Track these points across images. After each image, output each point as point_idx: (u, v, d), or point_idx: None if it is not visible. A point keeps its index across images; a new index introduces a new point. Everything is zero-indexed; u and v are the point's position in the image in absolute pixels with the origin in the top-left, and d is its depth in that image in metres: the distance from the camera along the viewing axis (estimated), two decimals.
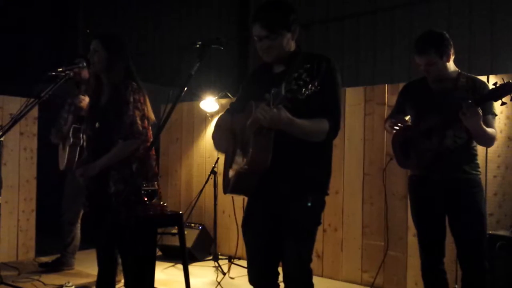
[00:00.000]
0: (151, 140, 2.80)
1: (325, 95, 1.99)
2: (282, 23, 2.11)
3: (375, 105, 4.09)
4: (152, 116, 2.84)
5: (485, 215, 2.75)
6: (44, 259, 4.60)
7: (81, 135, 3.83)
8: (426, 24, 6.73)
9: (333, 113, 2.09)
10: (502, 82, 2.39)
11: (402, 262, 3.89)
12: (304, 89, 1.76)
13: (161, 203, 3.09)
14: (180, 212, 3.40)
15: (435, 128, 2.66)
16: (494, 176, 3.48)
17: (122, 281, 3.09)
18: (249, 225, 2.30)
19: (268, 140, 1.98)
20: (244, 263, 4.46)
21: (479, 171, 2.73)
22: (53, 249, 4.49)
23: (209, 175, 4.73)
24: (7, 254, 4.60)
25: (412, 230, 3.52)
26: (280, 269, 2.24)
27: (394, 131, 2.94)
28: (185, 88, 2.17)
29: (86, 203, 2.89)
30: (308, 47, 6.84)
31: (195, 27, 8.33)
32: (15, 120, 2.90)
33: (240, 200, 4.65)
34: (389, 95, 3.98)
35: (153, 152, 2.92)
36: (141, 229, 2.84)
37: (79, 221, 4.29)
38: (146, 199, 2.84)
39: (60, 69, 3.03)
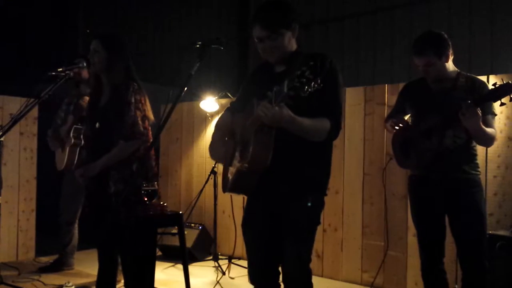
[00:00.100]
0: (151, 140, 2.80)
1: (326, 95, 1.99)
2: (282, 22, 2.12)
3: (375, 105, 4.09)
4: (151, 116, 2.84)
5: (485, 215, 2.74)
6: (44, 259, 4.61)
7: (82, 135, 3.82)
8: (426, 24, 6.74)
9: (334, 112, 2.09)
10: (502, 83, 2.40)
11: (402, 262, 3.89)
12: (306, 87, 1.76)
13: (161, 203, 3.09)
14: (180, 212, 3.40)
15: (435, 128, 2.66)
16: (494, 176, 3.48)
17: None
18: (249, 225, 2.30)
19: (269, 138, 1.98)
20: (244, 263, 4.47)
21: (478, 171, 2.73)
22: (53, 249, 4.49)
23: (209, 175, 4.73)
24: (7, 254, 4.60)
25: (412, 230, 3.52)
26: (280, 269, 2.24)
27: (395, 131, 2.94)
28: (185, 88, 2.17)
29: (86, 203, 2.90)
30: (308, 47, 6.84)
31: (195, 27, 8.33)
32: (15, 120, 2.90)
33: (239, 200, 4.64)
34: (389, 95, 3.98)
35: (153, 152, 2.92)
36: (141, 229, 2.85)
37: (77, 221, 4.28)
38: (146, 199, 2.84)
39: (60, 69, 3.03)
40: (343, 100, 2.18)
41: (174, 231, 3.39)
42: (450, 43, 2.69)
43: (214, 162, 4.75)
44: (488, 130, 2.57)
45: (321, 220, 2.22)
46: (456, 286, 3.49)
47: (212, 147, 2.34)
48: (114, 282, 2.97)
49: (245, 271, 2.35)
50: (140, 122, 2.74)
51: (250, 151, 1.98)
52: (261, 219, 2.23)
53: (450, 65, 2.73)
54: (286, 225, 2.15)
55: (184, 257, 3.40)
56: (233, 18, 9.14)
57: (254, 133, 1.98)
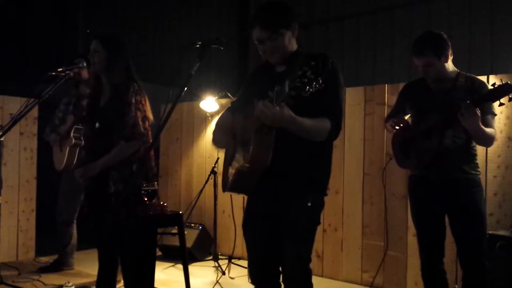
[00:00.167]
0: (151, 141, 2.80)
1: (327, 95, 1.99)
2: (281, 22, 2.12)
3: (375, 105, 4.09)
4: (151, 117, 2.84)
5: (485, 214, 2.74)
6: (44, 259, 4.61)
7: (82, 136, 3.81)
8: (426, 24, 6.74)
9: (335, 112, 2.09)
10: (501, 83, 2.40)
11: (402, 262, 3.89)
12: (308, 87, 1.76)
13: (161, 203, 3.10)
14: (180, 212, 3.40)
15: (435, 128, 2.66)
16: (494, 176, 3.48)
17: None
18: (249, 225, 2.30)
19: (269, 138, 1.98)
20: (244, 263, 4.47)
21: (478, 171, 2.73)
22: (53, 249, 4.49)
23: (209, 175, 4.74)
24: (7, 254, 4.60)
25: (412, 230, 3.52)
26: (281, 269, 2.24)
27: (395, 131, 2.94)
28: (185, 88, 2.17)
29: (85, 203, 2.90)
30: (308, 47, 6.83)
31: (195, 27, 8.33)
32: (15, 120, 2.90)
33: (239, 200, 4.65)
34: (389, 95, 3.98)
35: (152, 152, 2.92)
36: (141, 229, 2.85)
37: (75, 221, 4.28)
38: (146, 199, 2.84)
39: (60, 69, 3.03)
40: (343, 100, 2.18)
41: (174, 231, 3.39)
42: (449, 43, 2.69)
43: (214, 162, 4.76)
44: (488, 130, 2.57)
45: (321, 220, 2.22)
46: (456, 286, 3.49)
47: (215, 137, 2.35)
48: (114, 282, 2.97)
49: (245, 271, 2.35)
50: (140, 122, 2.74)
51: (250, 151, 1.98)
52: (261, 219, 2.23)
53: (449, 65, 2.73)
54: (286, 225, 2.15)
55: (184, 257, 3.40)
56: (233, 18, 9.14)
57: (254, 133, 1.98)
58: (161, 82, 6.92)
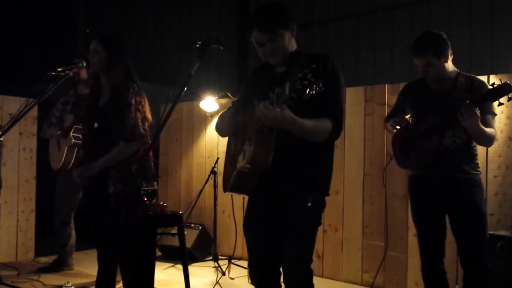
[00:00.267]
0: (150, 141, 2.80)
1: (328, 95, 1.99)
2: (279, 22, 2.12)
3: (375, 105, 4.08)
4: (150, 117, 2.84)
5: (486, 214, 2.74)
6: (44, 259, 4.60)
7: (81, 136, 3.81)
8: (426, 24, 6.74)
9: (335, 113, 2.08)
10: (500, 83, 2.39)
11: (402, 262, 3.88)
12: (308, 89, 1.76)
13: (161, 203, 3.09)
14: (180, 212, 3.40)
15: (435, 128, 2.65)
16: (495, 176, 3.48)
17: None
18: (249, 225, 2.30)
19: (270, 139, 1.98)
20: (243, 263, 4.46)
21: (479, 171, 2.72)
22: (53, 250, 4.48)
23: (209, 175, 4.73)
24: (6, 254, 4.59)
25: (412, 230, 3.51)
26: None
27: (395, 131, 2.94)
28: (185, 88, 2.17)
29: (84, 202, 2.89)
30: (308, 47, 6.82)
31: (195, 27, 8.34)
32: (14, 120, 2.89)
33: (240, 200, 4.64)
34: (389, 95, 3.98)
35: (151, 153, 2.92)
36: (140, 229, 2.84)
37: (72, 220, 4.27)
38: (145, 199, 2.84)
39: (60, 69, 3.03)
40: (344, 101, 2.17)
41: (174, 231, 3.39)
42: (449, 43, 2.68)
43: (214, 162, 4.75)
44: (488, 130, 2.57)
45: (322, 221, 2.21)
46: (457, 287, 3.49)
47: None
48: (114, 283, 2.96)
49: (245, 272, 2.35)
50: (140, 124, 2.75)
51: (251, 152, 1.97)
52: (262, 220, 2.22)
53: (449, 65, 2.72)
54: (286, 225, 2.14)
55: (184, 257, 3.40)
56: (233, 18, 9.14)
57: (255, 133, 1.98)
58: (161, 82, 6.92)
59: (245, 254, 4.62)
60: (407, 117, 2.96)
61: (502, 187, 3.45)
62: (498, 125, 3.09)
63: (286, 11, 2.15)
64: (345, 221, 4.22)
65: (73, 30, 6.89)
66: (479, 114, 2.46)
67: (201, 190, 4.76)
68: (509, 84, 2.37)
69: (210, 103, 5.12)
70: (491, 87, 2.45)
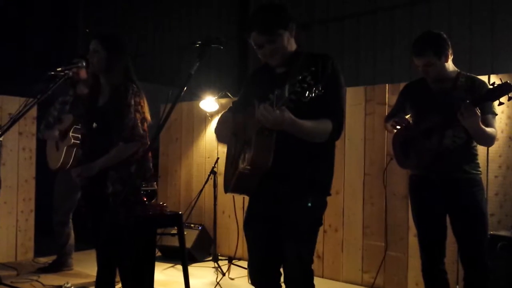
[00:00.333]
0: (149, 142, 2.80)
1: (328, 96, 1.98)
2: (277, 22, 2.11)
3: (375, 105, 4.08)
4: (149, 118, 2.84)
5: (486, 214, 2.73)
6: (43, 259, 4.59)
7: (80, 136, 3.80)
8: (426, 24, 6.74)
9: (336, 113, 2.08)
10: (500, 82, 2.39)
11: (403, 262, 3.87)
12: (308, 92, 1.75)
13: (161, 203, 3.09)
14: (180, 212, 3.39)
15: (435, 128, 2.65)
16: (495, 176, 3.47)
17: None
18: (250, 226, 2.30)
19: (270, 140, 1.98)
20: (243, 263, 4.45)
21: (479, 171, 2.72)
22: (52, 250, 4.47)
23: (209, 175, 4.72)
24: (6, 255, 4.58)
25: (413, 230, 3.51)
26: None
27: (395, 131, 2.93)
28: (185, 88, 2.16)
29: (83, 203, 2.89)
30: (308, 47, 6.82)
31: (195, 27, 8.34)
32: (14, 120, 2.88)
33: (240, 201, 4.64)
34: (389, 95, 3.97)
35: (150, 154, 2.92)
36: (140, 230, 2.83)
37: (71, 220, 4.26)
38: (145, 199, 2.83)
39: (59, 69, 3.02)
40: (344, 101, 2.17)
41: (174, 231, 3.39)
42: (449, 43, 2.68)
43: (214, 162, 4.75)
44: (488, 129, 2.56)
45: (322, 221, 2.21)
46: (457, 287, 3.48)
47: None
48: (113, 283, 2.96)
49: (245, 272, 2.34)
50: (139, 124, 2.74)
51: (251, 154, 1.97)
52: (262, 220, 2.22)
53: (450, 65, 2.72)
54: (286, 226, 2.14)
55: (184, 257, 3.39)
56: (233, 18, 9.14)
57: (255, 135, 1.97)
58: (161, 82, 6.92)
59: (245, 255, 4.61)
60: (407, 117, 2.96)
61: (502, 187, 3.45)
62: (498, 125, 3.08)
63: (285, 12, 2.15)
64: (345, 221, 4.21)
65: (73, 30, 6.89)
66: (479, 114, 2.45)
67: (201, 190, 4.75)
68: (509, 84, 2.37)
69: (210, 103, 5.12)
70: (491, 86, 2.44)
